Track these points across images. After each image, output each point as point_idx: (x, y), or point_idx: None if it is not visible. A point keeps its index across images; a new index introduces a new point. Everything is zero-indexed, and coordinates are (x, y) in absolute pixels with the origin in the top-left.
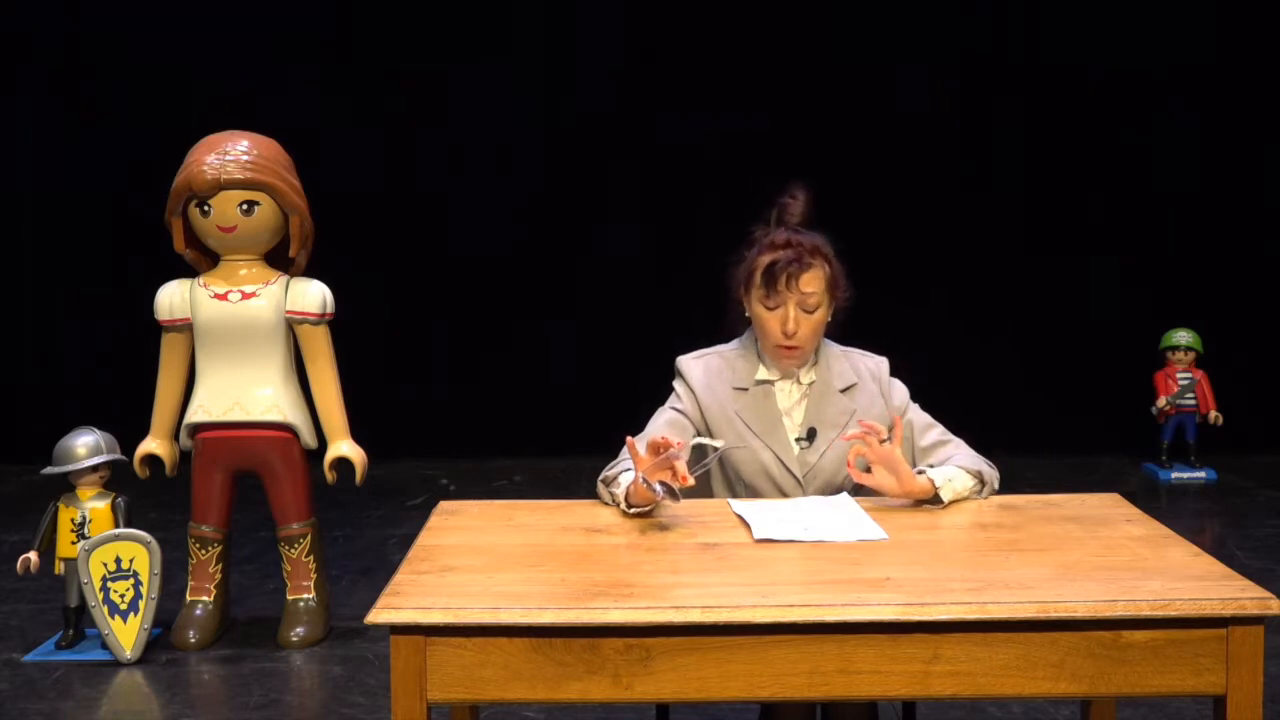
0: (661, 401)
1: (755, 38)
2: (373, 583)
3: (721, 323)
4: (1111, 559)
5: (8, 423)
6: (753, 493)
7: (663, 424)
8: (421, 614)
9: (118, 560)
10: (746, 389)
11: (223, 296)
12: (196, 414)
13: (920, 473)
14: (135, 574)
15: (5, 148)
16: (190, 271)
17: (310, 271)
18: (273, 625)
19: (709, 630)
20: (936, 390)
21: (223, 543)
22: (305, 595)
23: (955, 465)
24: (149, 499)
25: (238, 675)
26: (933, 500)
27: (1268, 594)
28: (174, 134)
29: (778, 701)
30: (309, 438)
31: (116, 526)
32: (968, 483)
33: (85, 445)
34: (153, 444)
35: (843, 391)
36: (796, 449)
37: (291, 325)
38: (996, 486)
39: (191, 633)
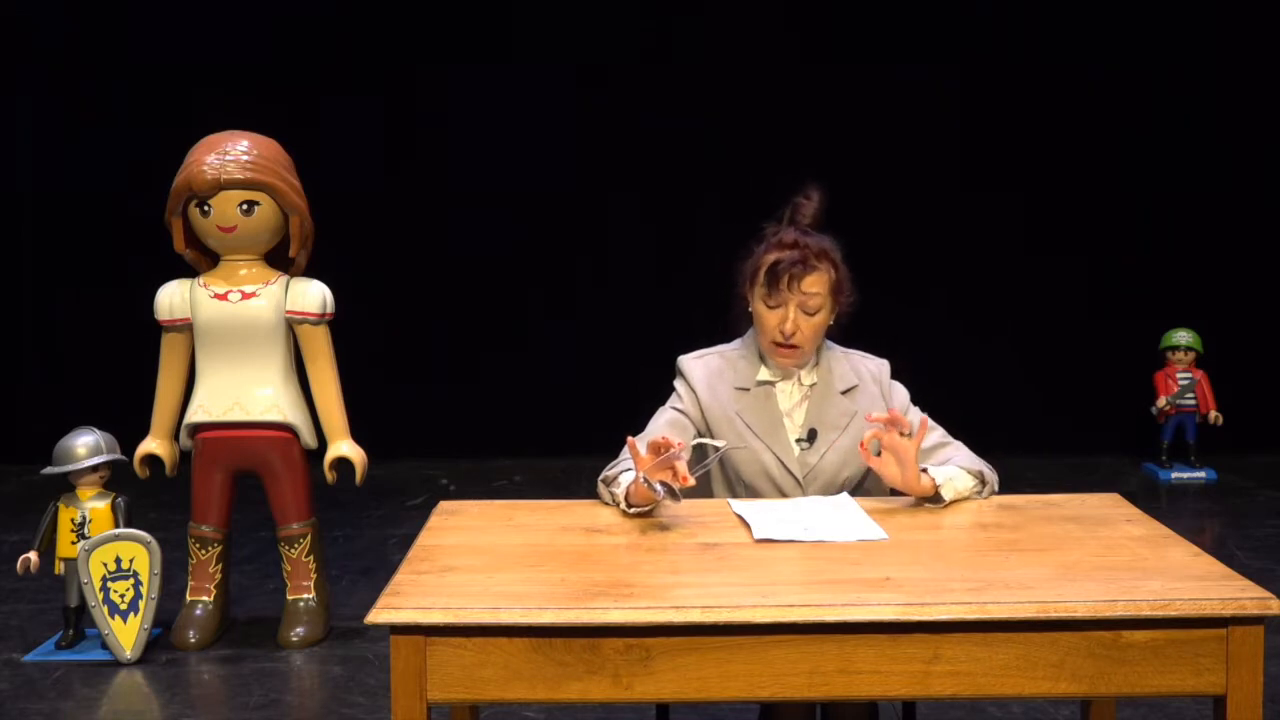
0: (662, 401)
1: (755, 38)
2: (373, 583)
3: (722, 322)
4: (1111, 559)
5: (8, 423)
6: (753, 493)
7: (663, 424)
8: (421, 614)
9: (118, 560)
10: (748, 389)
11: (223, 296)
12: (196, 414)
13: (922, 471)
14: (135, 574)
15: (5, 148)
16: (190, 271)
17: (310, 271)
18: (273, 625)
19: (709, 630)
20: (936, 390)
21: (223, 543)
22: (305, 595)
23: (956, 465)
24: (149, 499)
25: (238, 675)
26: (933, 499)
27: (1268, 594)
28: (174, 134)
29: (778, 701)
30: (309, 438)
31: (116, 526)
32: (968, 483)
33: (85, 445)
34: (153, 444)
35: (844, 393)
36: (797, 450)
37: (291, 325)
38: (996, 489)
39: (191, 633)
